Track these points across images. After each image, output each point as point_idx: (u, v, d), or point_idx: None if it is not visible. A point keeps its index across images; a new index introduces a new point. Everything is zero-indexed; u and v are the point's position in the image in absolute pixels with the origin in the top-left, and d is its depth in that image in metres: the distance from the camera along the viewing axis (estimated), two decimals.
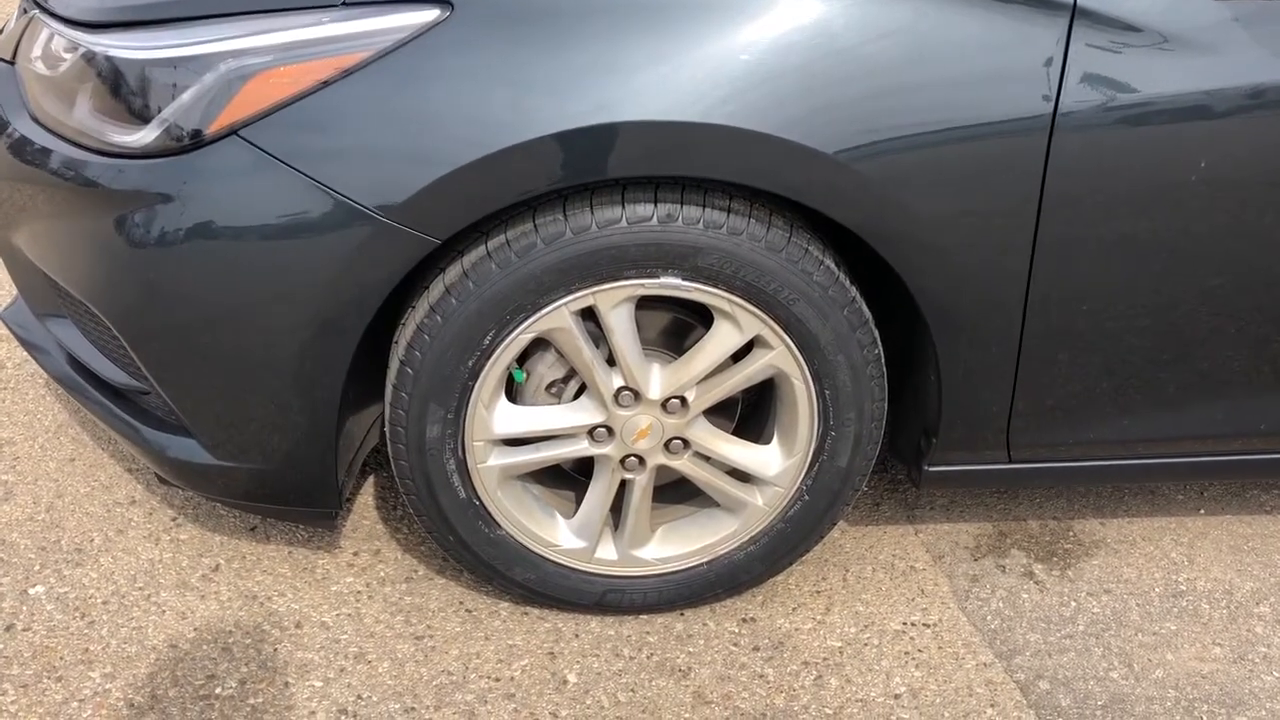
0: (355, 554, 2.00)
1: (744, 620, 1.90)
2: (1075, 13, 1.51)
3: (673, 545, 1.87)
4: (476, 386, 1.65)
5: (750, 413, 1.92)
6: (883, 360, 1.73)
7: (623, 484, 1.81)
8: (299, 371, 1.63)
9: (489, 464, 1.73)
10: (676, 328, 1.79)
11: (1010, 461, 1.85)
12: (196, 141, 1.53)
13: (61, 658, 1.75)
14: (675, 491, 1.91)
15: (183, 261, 1.58)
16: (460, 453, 1.71)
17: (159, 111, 1.54)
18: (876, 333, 1.71)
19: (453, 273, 1.60)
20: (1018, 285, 1.64)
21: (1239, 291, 1.71)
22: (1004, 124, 1.53)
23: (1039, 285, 1.64)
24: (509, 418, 1.72)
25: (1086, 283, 1.66)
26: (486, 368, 1.64)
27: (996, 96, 1.53)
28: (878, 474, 2.25)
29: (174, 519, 2.05)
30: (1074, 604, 1.95)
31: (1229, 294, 1.71)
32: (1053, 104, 1.53)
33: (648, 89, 1.49)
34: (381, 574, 1.96)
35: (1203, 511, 2.19)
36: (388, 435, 1.72)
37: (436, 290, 1.61)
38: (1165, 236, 1.64)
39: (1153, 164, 1.57)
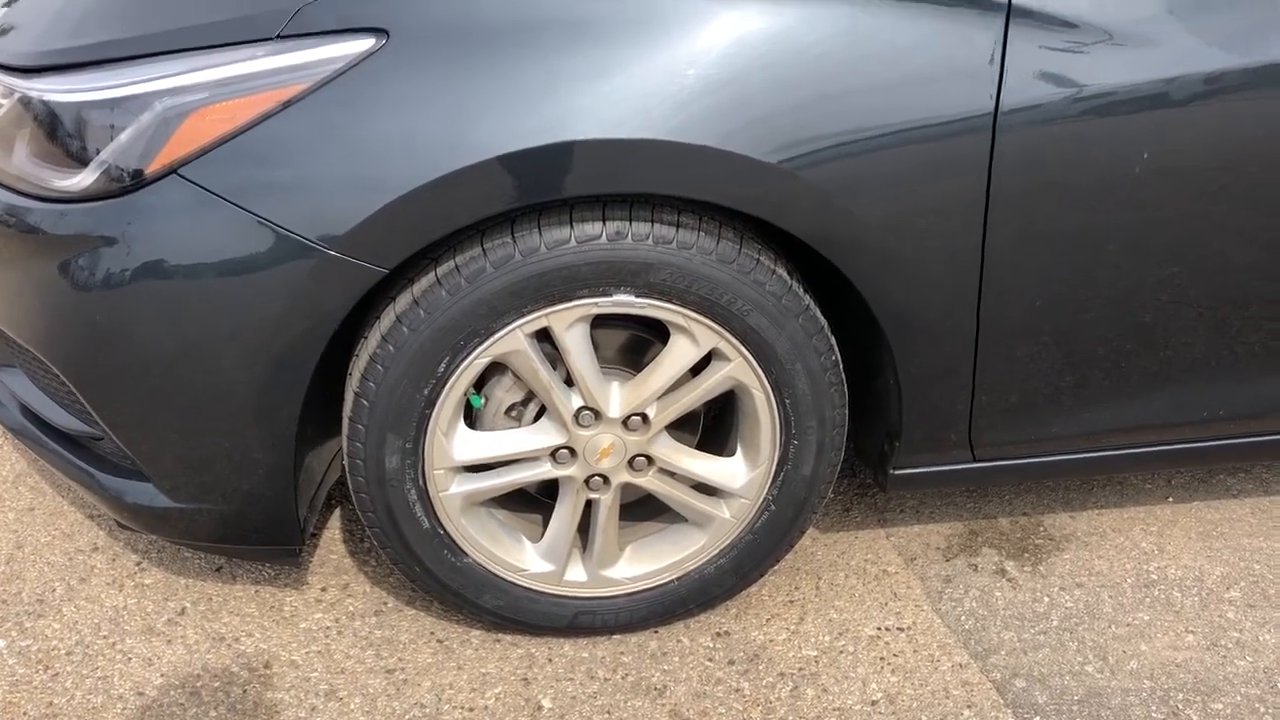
0: (323, 589, 1.98)
1: (718, 634, 1.89)
2: (1011, 11, 1.52)
3: (642, 563, 1.85)
4: (434, 414, 1.64)
5: (713, 425, 1.91)
6: (840, 366, 1.73)
7: (588, 504, 1.79)
8: (254, 408, 1.61)
9: (451, 492, 1.71)
10: (633, 344, 1.78)
11: (975, 460, 1.85)
12: (137, 182, 1.51)
13: (25, 713, 1.71)
14: (642, 509, 1.90)
15: (129, 303, 1.56)
16: (421, 482, 1.69)
17: (97, 153, 1.52)
18: (833, 339, 1.71)
19: (403, 301, 1.59)
20: (970, 284, 1.64)
21: (1194, 278, 1.72)
22: (947, 124, 1.54)
23: (992, 283, 1.64)
24: (469, 444, 1.70)
25: (1040, 278, 1.66)
26: (443, 395, 1.62)
27: (938, 97, 1.53)
28: (847, 479, 2.24)
29: (138, 564, 2.02)
30: (1047, 599, 1.95)
31: (1184, 281, 1.72)
32: (994, 102, 1.54)
33: (592, 107, 1.48)
34: (350, 608, 1.93)
35: (1171, 500, 2.20)
36: (347, 468, 1.70)
37: (388, 319, 1.60)
38: (1116, 228, 1.65)
39: (1097, 157, 1.58)
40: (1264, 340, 1.80)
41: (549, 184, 1.50)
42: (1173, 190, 1.62)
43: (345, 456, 1.69)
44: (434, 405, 1.63)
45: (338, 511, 2.16)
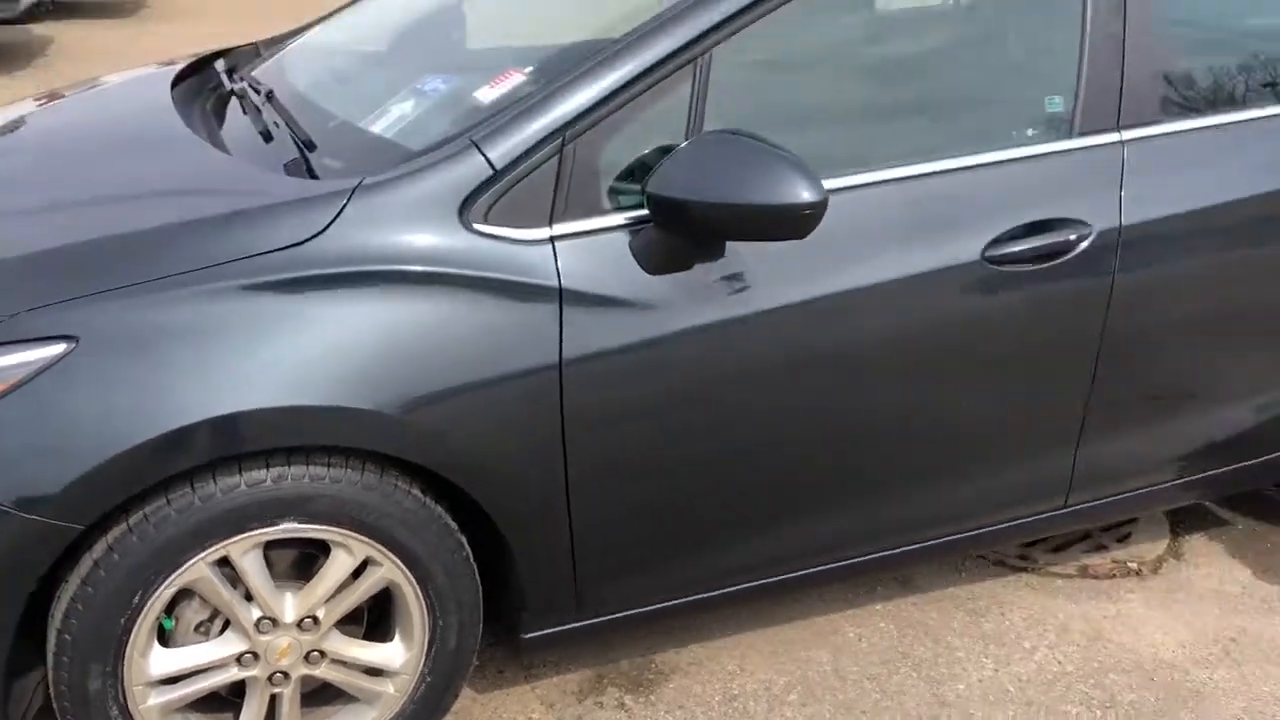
0: None
1: None
2: (563, 293, 2.08)
3: None
4: (130, 640, 1.96)
5: (379, 618, 2.32)
6: (470, 559, 2.20)
7: (273, 698, 2.15)
8: None
9: (150, 704, 2.03)
10: (302, 558, 2.17)
11: (586, 619, 2.36)
12: None
13: None
14: (322, 694, 2.26)
15: None
16: (122, 699, 1.99)
17: None
18: (462, 538, 2.18)
19: (99, 548, 1.92)
20: (557, 486, 2.16)
21: (739, 456, 2.32)
22: (524, 373, 2.06)
23: (575, 487, 2.17)
24: (163, 661, 2.03)
25: (609, 478, 2.20)
26: (138, 623, 1.96)
27: (518, 354, 2.07)
28: (499, 646, 2.69)
29: None
30: None
31: (738, 462, 2.31)
32: (558, 353, 2.08)
33: (248, 384, 1.91)
34: None
35: (750, 626, 2.79)
36: (53, 694, 1.98)
37: (86, 565, 1.92)
38: (661, 432, 2.23)
39: (635, 385, 2.16)
40: (795, 499, 2.43)
41: (216, 447, 1.91)
42: (699, 407, 2.23)
43: (51, 684, 1.97)
44: (130, 632, 1.96)
45: None
